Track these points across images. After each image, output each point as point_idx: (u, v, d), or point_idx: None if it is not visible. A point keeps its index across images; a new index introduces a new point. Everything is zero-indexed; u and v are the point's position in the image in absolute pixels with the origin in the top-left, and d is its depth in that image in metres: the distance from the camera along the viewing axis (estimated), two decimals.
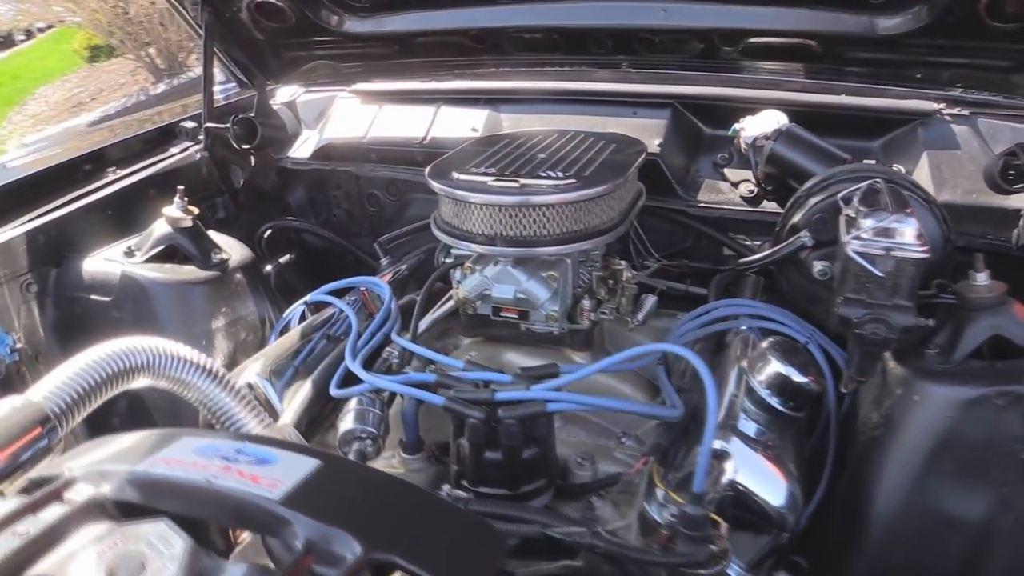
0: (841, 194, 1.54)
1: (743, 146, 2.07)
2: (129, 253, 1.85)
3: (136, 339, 1.28)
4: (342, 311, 1.74)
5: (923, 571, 1.29)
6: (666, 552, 1.14)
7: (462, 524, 0.92)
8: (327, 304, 1.87)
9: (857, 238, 1.28)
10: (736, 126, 2.08)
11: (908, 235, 1.27)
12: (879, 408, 1.35)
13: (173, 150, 2.23)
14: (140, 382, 1.27)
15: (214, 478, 0.81)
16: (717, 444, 1.29)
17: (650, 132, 2.01)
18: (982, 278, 1.32)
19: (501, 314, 1.58)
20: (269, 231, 2.29)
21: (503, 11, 1.99)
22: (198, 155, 2.22)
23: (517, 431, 1.27)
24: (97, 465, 0.86)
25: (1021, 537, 1.23)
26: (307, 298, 1.89)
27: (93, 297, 1.83)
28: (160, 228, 1.85)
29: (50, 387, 1.14)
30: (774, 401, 1.37)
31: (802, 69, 2.07)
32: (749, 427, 1.36)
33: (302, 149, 2.45)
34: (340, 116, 2.49)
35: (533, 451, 1.30)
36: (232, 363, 1.80)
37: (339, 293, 1.90)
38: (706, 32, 1.89)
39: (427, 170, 1.63)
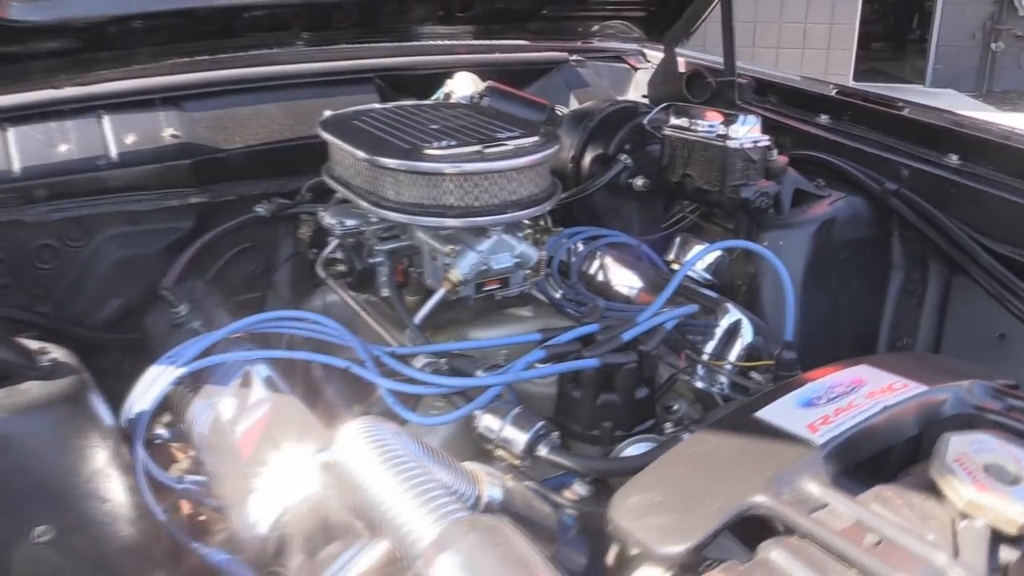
0: (647, 119, 1.95)
1: None
2: None
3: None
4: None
5: (819, 345, 1.85)
6: None
7: None
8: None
9: (740, 139, 1.72)
10: (444, 90, 2.25)
11: (759, 129, 1.77)
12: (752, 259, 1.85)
13: None
14: None
15: (887, 403, 0.84)
16: (732, 319, 1.61)
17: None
18: (775, 154, 1.91)
19: (484, 289, 1.53)
20: None
21: None
22: None
23: (656, 360, 1.36)
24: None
25: (853, 302, 1.90)
26: (181, 369, 1.42)
27: None
28: None
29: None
30: (709, 277, 1.76)
31: (472, 32, 2.34)
32: None
33: None
34: None
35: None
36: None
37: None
38: None
39: (372, 159, 1.42)
